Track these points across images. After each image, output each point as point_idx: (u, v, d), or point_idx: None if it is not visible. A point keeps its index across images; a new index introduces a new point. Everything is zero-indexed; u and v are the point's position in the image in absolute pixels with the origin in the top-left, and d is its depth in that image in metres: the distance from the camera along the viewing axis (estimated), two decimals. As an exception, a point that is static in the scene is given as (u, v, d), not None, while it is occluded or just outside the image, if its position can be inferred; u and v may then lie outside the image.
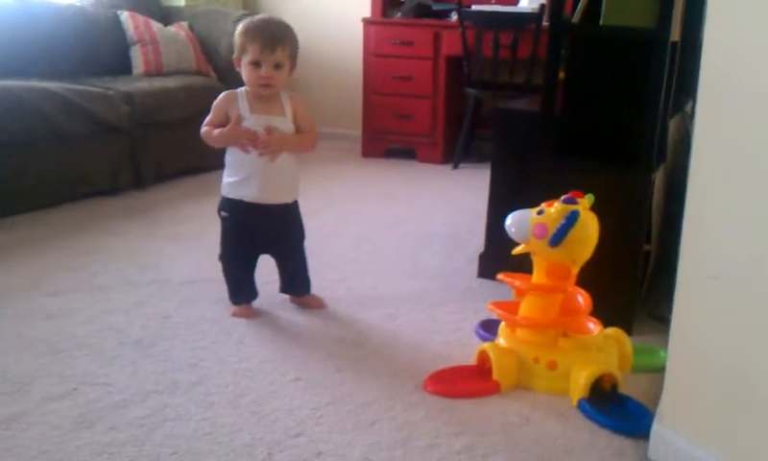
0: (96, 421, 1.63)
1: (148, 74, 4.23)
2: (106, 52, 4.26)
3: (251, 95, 2.14)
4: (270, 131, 2.11)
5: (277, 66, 2.09)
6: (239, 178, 2.15)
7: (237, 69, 2.15)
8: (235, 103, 2.14)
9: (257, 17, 2.14)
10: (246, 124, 2.11)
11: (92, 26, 4.22)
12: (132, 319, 2.19)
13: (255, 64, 2.08)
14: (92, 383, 1.80)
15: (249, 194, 2.15)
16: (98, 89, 3.61)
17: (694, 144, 1.45)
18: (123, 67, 4.26)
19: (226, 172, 2.19)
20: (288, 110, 2.17)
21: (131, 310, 2.25)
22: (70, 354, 1.95)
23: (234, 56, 2.14)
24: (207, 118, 2.17)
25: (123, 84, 3.82)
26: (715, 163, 1.41)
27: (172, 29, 4.48)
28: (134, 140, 3.73)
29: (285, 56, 2.10)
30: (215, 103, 2.17)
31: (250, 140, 2.10)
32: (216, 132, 2.13)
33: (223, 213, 2.21)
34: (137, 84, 3.93)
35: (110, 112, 3.57)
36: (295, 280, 2.33)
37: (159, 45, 4.32)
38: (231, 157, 2.16)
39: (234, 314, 2.23)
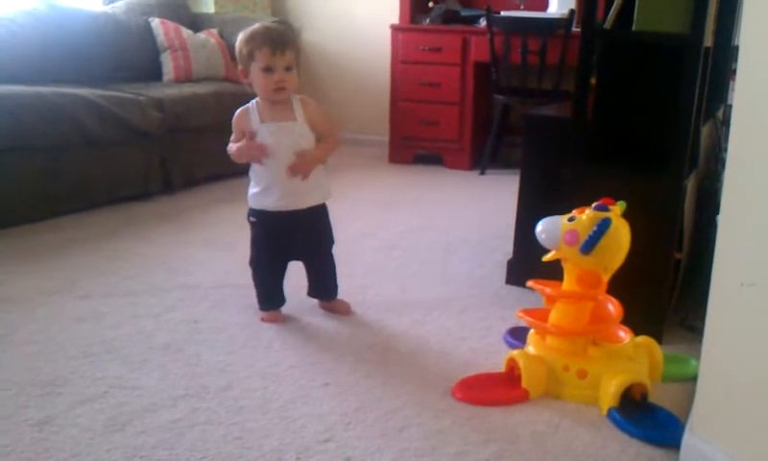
0: (126, 424, 1.65)
1: (178, 80, 4.27)
2: (137, 58, 4.31)
3: (260, 105, 2.15)
4: (299, 155, 2.13)
5: (288, 68, 2.10)
6: (260, 188, 2.18)
7: (245, 82, 2.17)
8: (247, 118, 2.15)
9: (256, 25, 2.13)
10: (260, 134, 2.12)
11: (124, 33, 4.28)
12: (162, 323, 2.20)
13: (267, 70, 2.08)
14: (122, 387, 1.82)
15: (270, 204, 2.17)
16: (129, 95, 3.66)
17: (730, 150, 1.43)
18: (153, 74, 4.31)
19: (252, 181, 2.21)
20: (300, 114, 2.16)
21: (160, 315, 2.27)
22: (100, 358, 1.97)
23: (239, 68, 2.14)
24: (232, 137, 2.19)
25: (153, 91, 3.87)
26: (751, 169, 1.39)
27: (202, 35, 4.53)
28: (164, 146, 3.77)
29: (293, 57, 2.11)
30: (233, 121, 2.18)
31: (262, 154, 2.11)
32: (234, 148, 2.16)
33: (251, 219, 2.23)
34: (167, 90, 3.97)
35: (141, 118, 3.61)
36: (323, 284, 2.33)
37: (189, 52, 4.36)
38: (255, 167, 2.18)
39: (263, 320, 2.24)
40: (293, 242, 2.22)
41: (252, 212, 2.22)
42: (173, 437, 1.61)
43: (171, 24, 4.44)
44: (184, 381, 1.86)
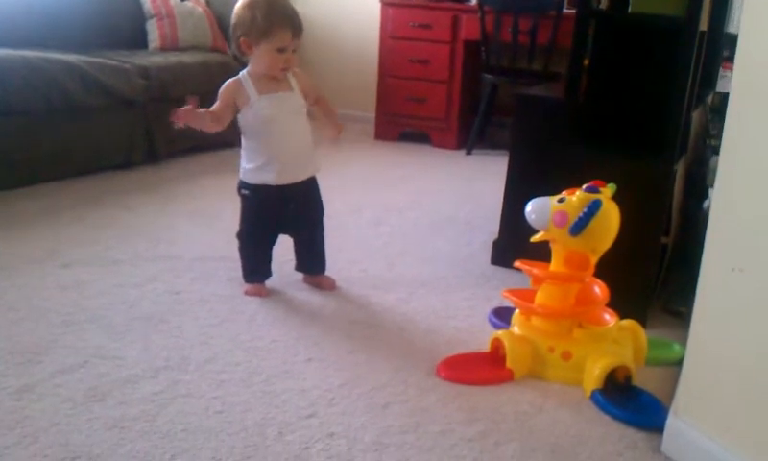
0: (107, 394, 1.63)
1: (164, 48, 4.21)
2: (122, 25, 4.24)
3: (254, 77, 2.11)
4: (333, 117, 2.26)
5: (294, 50, 2.09)
6: (258, 163, 2.14)
7: (245, 53, 2.10)
8: (241, 89, 2.11)
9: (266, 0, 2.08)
10: (259, 105, 2.10)
11: (109, -1, 4.20)
12: (144, 294, 2.18)
13: (280, 51, 2.05)
14: (103, 357, 1.79)
15: (272, 178, 2.14)
16: (114, 62, 3.60)
17: (725, 135, 1.42)
18: (139, 41, 4.25)
19: (244, 158, 2.18)
20: (294, 84, 2.16)
21: (143, 285, 2.24)
22: (82, 327, 1.94)
23: (242, 39, 2.07)
24: (214, 107, 2.12)
25: (139, 58, 3.81)
26: (745, 155, 1.38)
27: (189, 4, 4.46)
28: (149, 115, 3.71)
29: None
30: (221, 92, 2.13)
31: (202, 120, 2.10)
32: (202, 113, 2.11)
33: (244, 191, 2.19)
34: (153, 58, 3.91)
35: (126, 86, 3.56)
36: (312, 259, 2.31)
37: (176, 19, 4.29)
38: (249, 143, 2.15)
39: (247, 292, 2.22)
40: (287, 215, 2.21)
41: (246, 186, 2.18)
42: (154, 408, 1.59)
43: (158, -9, 4.37)
44: (166, 353, 1.84)
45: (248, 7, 2.06)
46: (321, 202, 2.27)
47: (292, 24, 2.05)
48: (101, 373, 1.72)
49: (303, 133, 2.19)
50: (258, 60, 2.09)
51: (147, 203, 3.11)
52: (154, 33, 4.25)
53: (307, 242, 2.29)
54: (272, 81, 2.12)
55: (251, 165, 2.16)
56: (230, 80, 2.14)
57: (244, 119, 2.13)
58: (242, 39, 2.07)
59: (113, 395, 1.63)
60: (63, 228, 2.71)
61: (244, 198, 2.20)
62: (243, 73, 2.13)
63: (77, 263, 2.37)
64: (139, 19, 4.28)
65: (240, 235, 2.24)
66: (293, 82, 2.16)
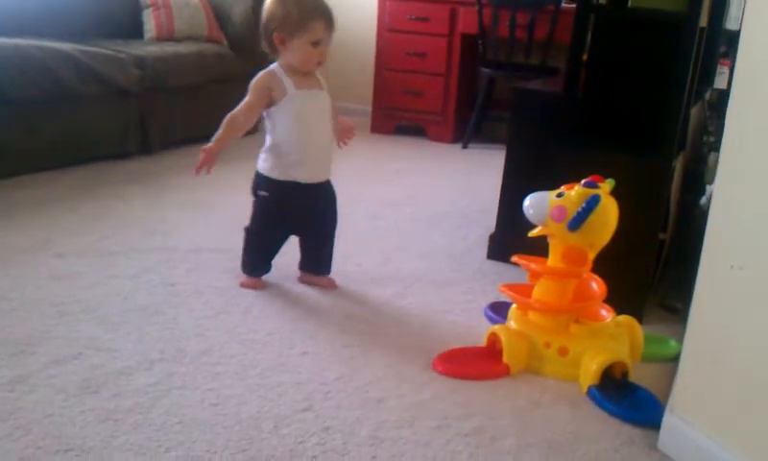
0: (101, 386, 1.61)
1: (159, 38, 4.19)
2: (118, 14, 4.23)
3: (289, 71, 2.07)
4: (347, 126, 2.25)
5: (326, 44, 2.06)
6: (288, 160, 2.09)
7: (278, 49, 2.05)
8: (279, 81, 2.06)
9: None
10: (296, 100, 2.06)
11: (105, -13, 4.18)
12: (139, 285, 2.16)
13: (315, 44, 2.02)
14: (98, 348, 1.78)
15: (301, 175, 2.10)
16: (109, 52, 3.57)
17: (726, 132, 1.41)
18: (135, 31, 4.22)
19: (270, 153, 2.12)
20: (323, 83, 2.14)
21: (137, 276, 2.22)
22: (76, 318, 1.92)
23: (278, 34, 2.02)
24: (245, 101, 2.06)
25: (134, 48, 3.79)
26: (746, 152, 1.37)
27: (185, -6, 4.43)
28: (144, 105, 3.69)
29: None
30: (255, 84, 2.07)
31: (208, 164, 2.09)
32: (221, 133, 2.08)
33: (262, 192, 2.14)
34: (149, 48, 3.89)
35: (121, 75, 3.54)
36: (320, 261, 2.27)
37: (172, 9, 4.27)
38: (279, 138, 2.09)
39: (244, 284, 2.20)
40: (307, 215, 2.17)
41: (266, 184, 2.13)
42: (148, 401, 1.57)
43: (154, -19, 4.34)
44: (161, 345, 1.82)
45: (279, 2, 2.02)
46: (336, 206, 2.23)
47: (326, 17, 2.02)
48: (95, 364, 1.70)
49: (329, 133, 2.16)
50: (292, 54, 2.04)
51: (141, 194, 3.09)
52: (150, 22, 4.23)
53: (320, 244, 2.24)
54: (304, 76, 2.08)
55: (278, 161, 2.09)
56: (264, 72, 2.08)
57: (277, 113, 2.07)
58: (276, 34, 2.03)
59: (107, 387, 1.62)
60: (57, 218, 2.69)
61: (261, 198, 2.15)
62: (275, 66, 2.08)
63: (71, 254, 2.35)
64: (135, 9, 4.26)
65: (250, 230, 2.20)
66: (322, 81, 2.13)
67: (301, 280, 2.29)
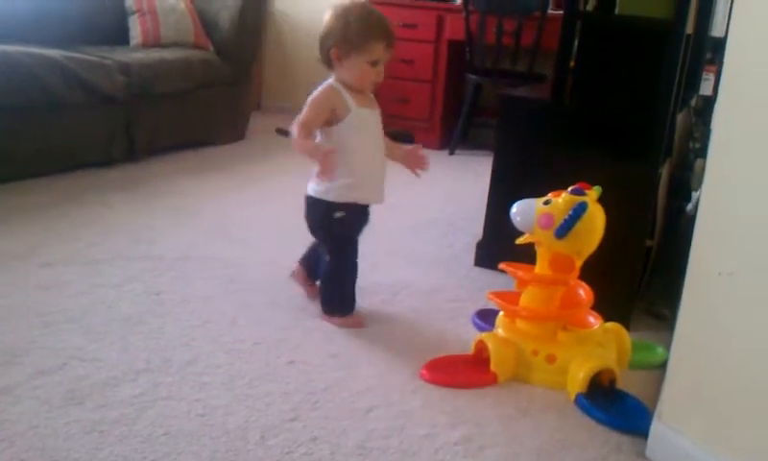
0: (86, 397, 1.60)
1: (145, 45, 4.16)
2: (104, 21, 4.19)
3: (347, 88, 1.99)
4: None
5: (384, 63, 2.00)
6: (349, 181, 1.99)
7: (334, 64, 1.98)
8: (341, 98, 1.98)
9: (362, 7, 1.99)
10: (359, 118, 1.99)
11: (91, -6, 4.16)
12: (124, 294, 2.15)
13: (373, 64, 1.96)
14: (83, 359, 1.76)
15: (363, 197, 2.05)
16: (94, 58, 3.55)
17: (712, 139, 1.42)
18: (121, 37, 4.19)
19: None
20: (376, 103, 2.08)
21: (123, 285, 2.21)
22: (61, 328, 1.91)
23: (336, 50, 1.95)
24: (304, 116, 1.95)
25: (120, 54, 3.76)
26: (733, 158, 1.38)
27: (171, 0, 4.41)
28: (129, 111, 3.67)
29: None
30: (315, 99, 1.98)
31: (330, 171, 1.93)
32: (311, 146, 1.92)
33: (338, 214, 2.02)
34: (134, 54, 3.86)
35: (106, 82, 3.51)
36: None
37: (158, 16, 4.25)
38: (342, 158, 1.95)
39: (344, 325, 2.06)
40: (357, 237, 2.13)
41: (340, 206, 2.01)
42: (134, 412, 1.56)
43: (140, -13, 4.32)
44: (146, 355, 1.81)
45: (341, 17, 1.96)
46: None
47: (386, 36, 1.96)
48: (80, 375, 1.69)
49: (383, 154, 2.11)
50: (348, 71, 1.97)
51: (127, 201, 3.07)
52: (135, 29, 4.20)
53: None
54: (359, 94, 2.01)
55: (339, 182, 1.98)
56: (326, 87, 2.00)
57: (339, 131, 1.98)
58: (333, 50, 1.96)
59: (92, 398, 1.60)
60: (43, 225, 2.66)
61: (340, 222, 2.02)
62: (334, 82, 2.01)
63: (56, 262, 2.33)
64: (121, 15, 4.23)
65: (341, 266, 2.08)
66: (374, 101, 2.08)
67: (296, 278, 2.22)
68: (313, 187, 2.03)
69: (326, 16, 2.00)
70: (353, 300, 2.11)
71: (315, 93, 1.99)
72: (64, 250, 2.44)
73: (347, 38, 1.94)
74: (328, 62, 2.01)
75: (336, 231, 2.05)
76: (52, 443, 1.43)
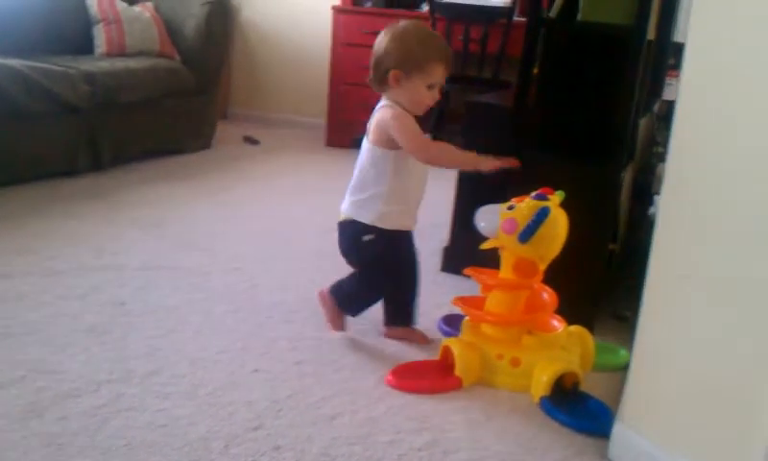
0: (45, 410, 1.57)
1: (110, 54, 4.13)
2: (68, 30, 4.15)
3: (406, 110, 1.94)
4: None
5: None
6: (399, 208, 1.96)
7: (389, 85, 1.90)
8: None
9: (422, 29, 1.95)
10: None
11: (55, 3, 4.11)
12: (87, 305, 2.12)
13: (431, 87, 1.91)
14: (43, 371, 1.73)
15: (408, 224, 2.01)
16: (58, 68, 3.51)
17: (671, 143, 1.43)
18: (85, 46, 4.15)
19: (382, 199, 1.94)
20: None
21: (85, 296, 2.18)
22: (20, 340, 1.88)
23: (393, 71, 1.88)
24: (416, 132, 1.90)
25: (84, 64, 3.72)
26: (691, 162, 1.40)
27: (136, 8, 4.38)
28: (94, 121, 3.63)
29: None
30: (408, 120, 1.90)
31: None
32: (491, 163, 1.89)
33: (368, 236, 1.97)
34: (99, 63, 3.83)
35: (70, 92, 3.47)
36: (408, 310, 2.13)
37: (123, 25, 4.22)
38: (397, 184, 1.93)
39: (333, 324, 2.07)
40: (412, 263, 2.08)
41: (374, 231, 1.96)
42: (95, 423, 1.54)
43: (104, -5, 4.28)
44: (109, 365, 1.79)
45: (399, 39, 1.89)
46: None
47: (447, 58, 1.91)
48: (39, 387, 1.66)
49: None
50: (407, 93, 1.91)
51: (91, 211, 3.03)
52: (100, 37, 4.17)
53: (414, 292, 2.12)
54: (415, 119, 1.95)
55: (389, 208, 1.94)
56: (396, 109, 1.91)
57: (399, 155, 1.92)
58: (394, 72, 1.88)
59: (52, 410, 1.58)
60: (3, 237, 2.62)
61: (370, 243, 1.97)
62: (392, 103, 1.93)
63: (16, 274, 2.30)
64: (85, 24, 4.19)
65: (377, 288, 2.05)
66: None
67: (390, 335, 2.09)
68: (355, 211, 1.98)
69: (384, 37, 1.93)
70: (359, 312, 2.07)
71: (400, 114, 1.91)
72: (24, 261, 2.41)
73: (408, 60, 1.88)
74: (382, 84, 1.93)
75: (379, 255, 1.98)
76: (9, 456, 1.41)
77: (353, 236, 1.99)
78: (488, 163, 1.89)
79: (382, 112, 1.93)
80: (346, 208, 2.02)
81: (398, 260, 2.03)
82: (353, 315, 2.07)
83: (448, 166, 1.91)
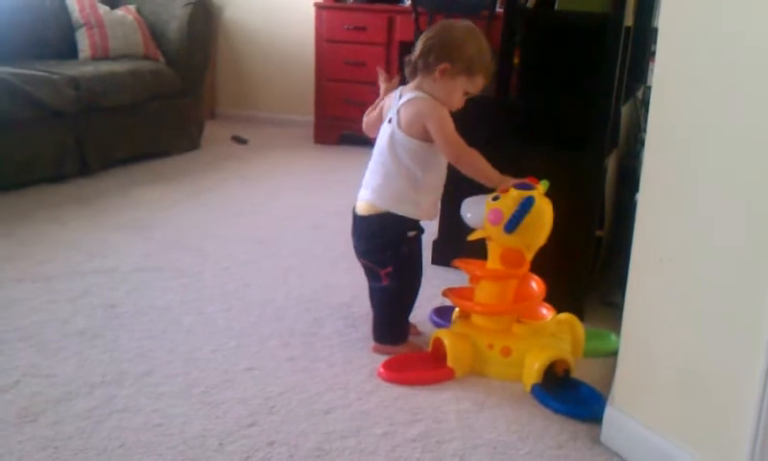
0: (40, 414, 1.58)
1: (94, 58, 4.12)
2: (51, 35, 4.14)
3: None
4: None
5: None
6: (431, 199, 1.95)
7: (431, 73, 1.86)
8: None
9: (482, 36, 1.92)
10: None
11: (37, 8, 4.10)
12: (78, 308, 2.13)
13: (467, 93, 1.90)
14: (36, 375, 1.74)
15: (435, 214, 2.01)
16: (42, 73, 3.51)
17: (649, 129, 1.45)
18: (69, 51, 4.15)
19: (416, 190, 1.90)
20: None
21: (76, 300, 2.18)
22: (13, 346, 1.88)
23: (444, 65, 1.84)
24: (453, 131, 1.87)
25: (68, 69, 3.72)
26: (670, 148, 1.41)
27: (119, 12, 4.37)
28: (80, 126, 3.63)
29: None
30: (446, 116, 1.88)
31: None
32: (494, 172, 1.87)
33: (412, 233, 1.94)
34: (83, 68, 3.82)
35: (55, 97, 3.47)
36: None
37: (106, 28, 4.21)
38: (429, 177, 1.92)
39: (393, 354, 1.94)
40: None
41: (413, 226, 1.95)
42: (89, 425, 1.55)
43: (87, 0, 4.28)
44: (102, 368, 1.79)
45: (467, 37, 1.88)
46: None
47: (490, 76, 1.91)
48: (34, 392, 1.67)
49: None
50: (445, 90, 1.88)
51: (80, 216, 3.03)
52: (84, 42, 4.16)
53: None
54: None
55: (427, 200, 1.94)
56: (435, 102, 1.87)
57: (433, 148, 1.89)
58: (444, 64, 1.84)
59: (47, 414, 1.58)
60: (-7, 244, 2.63)
61: (411, 240, 1.94)
62: (427, 95, 1.89)
63: (7, 280, 2.30)
64: (68, 29, 4.19)
65: (402, 288, 1.97)
66: None
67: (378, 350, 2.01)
68: (394, 204, 1.91)
69: (450, 30, 1.90)
70: (406, 328, 2.02)
71: (437, 108, 1.87)
72: (14, 267, 2.41)
73: (462, 60, 1.85)
74: (426, 70, 1.88)
75: (409, 251, 1.95)
76: (5, 461, 1.42)
77: (396, 230, 1.92)
78: (507, 184, 1.85)
79: (419, 104, 1.87)
80: (375, 200, 1.93)
81: (421, 256, 2.00)
82: (402, 337, 1.99)
83: (470, 174, 1.88)
